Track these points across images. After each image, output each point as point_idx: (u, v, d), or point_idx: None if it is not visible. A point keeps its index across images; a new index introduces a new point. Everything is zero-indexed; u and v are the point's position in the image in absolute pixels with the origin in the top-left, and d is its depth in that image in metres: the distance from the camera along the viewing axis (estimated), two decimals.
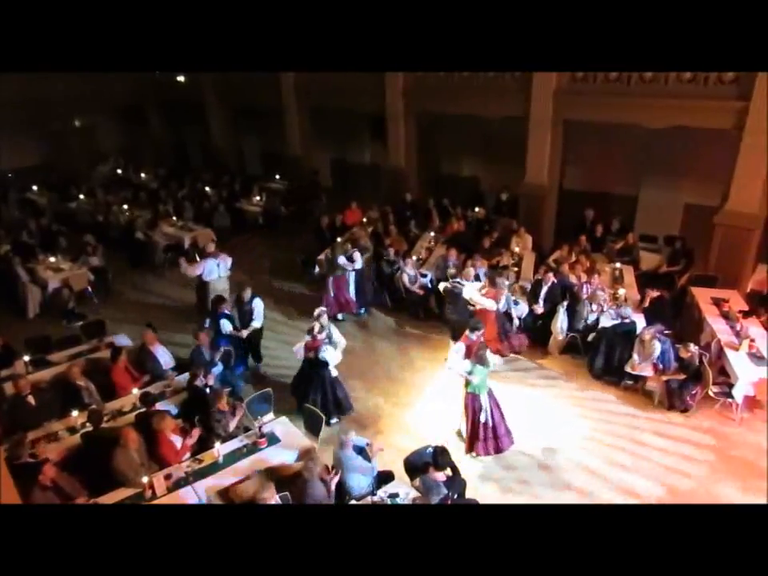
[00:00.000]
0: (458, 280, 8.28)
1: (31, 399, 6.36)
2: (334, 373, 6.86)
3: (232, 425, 5.99)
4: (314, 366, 6.79)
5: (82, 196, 15.38)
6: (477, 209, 12.08)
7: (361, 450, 5.41)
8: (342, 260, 9.14)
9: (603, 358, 7.60)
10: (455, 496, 5.05)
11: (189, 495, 5.12)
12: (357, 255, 9.25)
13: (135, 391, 6.53)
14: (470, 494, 5.50)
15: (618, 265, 9.43)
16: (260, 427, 5.79)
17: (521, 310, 8.37)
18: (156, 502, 5.01)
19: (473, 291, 7.87)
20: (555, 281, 8.53)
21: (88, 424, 6.00)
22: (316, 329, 6.71)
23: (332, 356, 6.73)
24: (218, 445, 5.57)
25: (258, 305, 7.98)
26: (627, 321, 7.47)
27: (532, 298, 8.54)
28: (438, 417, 7.06)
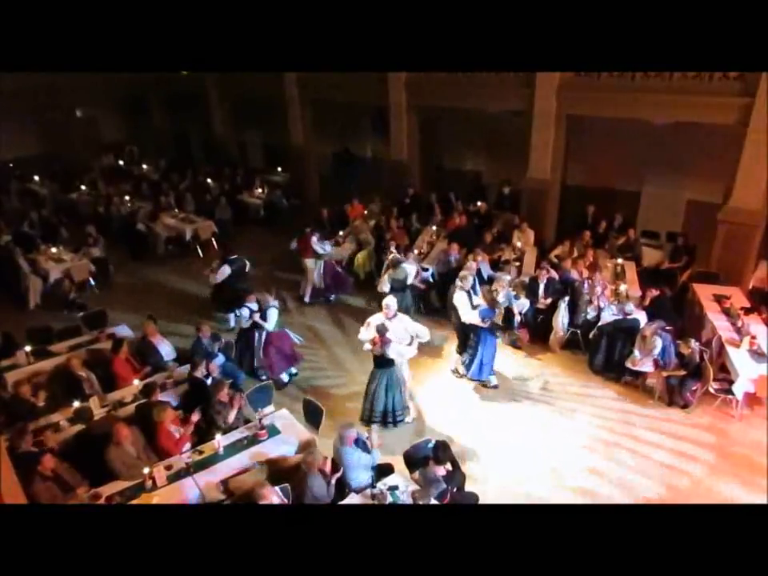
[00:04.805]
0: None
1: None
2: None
3: (232, 416, 6.00)
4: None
5: (83, 187, 15.37)
6: (479, 203, 12.03)
7: (361, 442, 5.41)
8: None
9: (604, 353, 7.60)
10: (455, 489, 5.06)
11: (189, 486, 5.14)
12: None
13: (136, 382, 6.54)
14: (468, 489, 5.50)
15: (619, 260, 9.40)
16: (260, 419, 5.81)
17: (521, 305, 8.36)
18: (156, 492, 5.03)
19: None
20: (552, 277, 8.52)
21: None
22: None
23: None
24: (218, 436, 5.59)
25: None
26: (629, 317, 7.46)
27: (530, 295, 8.52)
28: (438, 409, 7.10)
